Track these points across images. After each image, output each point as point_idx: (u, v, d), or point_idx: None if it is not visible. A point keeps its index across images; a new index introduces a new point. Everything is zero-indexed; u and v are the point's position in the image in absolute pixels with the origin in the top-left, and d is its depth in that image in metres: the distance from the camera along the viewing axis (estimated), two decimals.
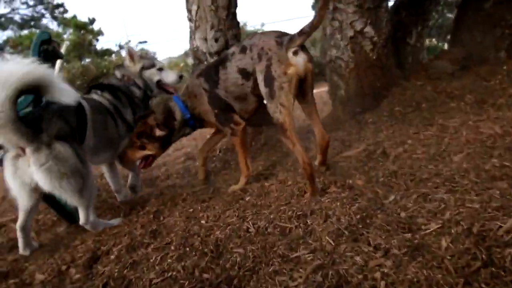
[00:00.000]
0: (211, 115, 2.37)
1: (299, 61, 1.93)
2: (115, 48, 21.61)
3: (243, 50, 2.13)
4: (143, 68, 2.62)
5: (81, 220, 2.04)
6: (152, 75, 2.64)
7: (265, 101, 2.08)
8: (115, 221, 2.20)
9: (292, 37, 1.94)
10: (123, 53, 21.64)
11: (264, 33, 2.14)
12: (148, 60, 2.69)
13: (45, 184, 1.85)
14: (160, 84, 2.68)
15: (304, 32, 1.93)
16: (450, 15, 11.41)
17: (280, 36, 2.00)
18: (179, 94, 2.47)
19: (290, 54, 1.92)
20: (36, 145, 1.82)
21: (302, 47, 1.96)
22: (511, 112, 2.71)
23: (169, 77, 2.68)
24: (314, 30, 1.93)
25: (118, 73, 2.62)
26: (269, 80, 1.95)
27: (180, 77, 2.72)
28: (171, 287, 1.39)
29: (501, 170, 1.75)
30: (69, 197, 1.92)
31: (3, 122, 1.69)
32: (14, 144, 1.81)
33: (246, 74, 2.13)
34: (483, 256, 1.16)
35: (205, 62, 3.42)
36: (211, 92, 2.32)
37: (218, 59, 2.38)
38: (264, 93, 2.02)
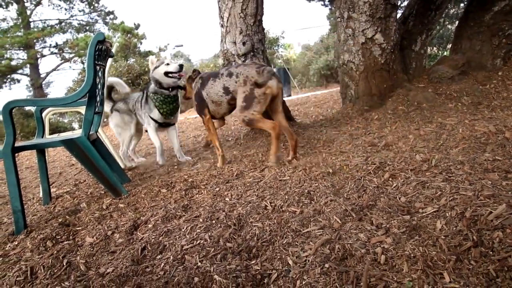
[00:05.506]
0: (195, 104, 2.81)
1: (273, 84, 2.30)
2: (155, 50, 21.86)
3: (229, 75, 2.45)
4: (155, 68, 3.05)
5: None
6: (161, 69, 3.02)
7: (237, 109, 2.42)
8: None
9: (265, 69, 2.32)
10: (162, 54, 21.87)
11: (246, 65, 2.45)
12: (159, 62, 3.08)
13: None
14: (166, 73, 3.01)
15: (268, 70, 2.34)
16: (450, 27, 11.05)
17: (259, 67, 2.34)
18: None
19: (266, 78, 2.29)
20: None
21: (273, 73, 2.34)
22: (504, 113, 2.63)
23: (172, 67, 3.01)
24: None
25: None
26: (251, 98, 2.31)
27: (180, 66, 3.03)
28: (199, 253, 1.41)
29: (493, 163, 1.70)
30: None
31: None
32: None
33: (228, 91, 2.48)
34: (474, 237, 1.13)
35: (233, 63, 3.43)
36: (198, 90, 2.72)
37: (214, 73, 2.66)
38: (240, 105, 2.36)
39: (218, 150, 2.72)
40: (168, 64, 3.04)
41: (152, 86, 3.10)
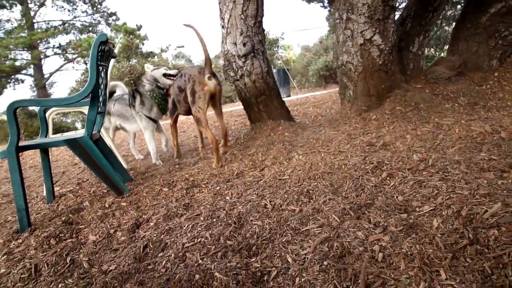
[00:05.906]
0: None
1: (211, 83, 2.64)
2: (157, 51, 21.86)
3: (181, 76, 2.88)
4: (155, 69, 3.37)
5: None
6: (162, 70, 3.34)
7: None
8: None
9: (206, 70, 2.64)
10: (164, 55, 21.88)
11: (192, 67, 2.83)
12: (157, 67, 3.44)
13: None
14: (165, 74, 3.32)
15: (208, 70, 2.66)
16: (447, 28, 11.05)
17: (201, 68, 2.69)
18: None
19: (206, 78, 2.63)
20: None
21: (214, 75, 2.66)
22: (500, 113, 2.64)
23: (172, 71, 3.36)
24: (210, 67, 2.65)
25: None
26: (193, 92, 2.66)
27: (179, 70, 3.29)
28: (200, 251, 1.41)
29: (489, 163, 1.71)
30: None
31: None
32: None
33: (181, 89, 2.89)
34: (470, 235, 1.14)
35: (234, 64, 3.43)
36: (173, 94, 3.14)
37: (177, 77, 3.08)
38: (189, 99, 2.70)
39: (175, 147, 3.40)
40: (165, 69, 3.37)
41: (148, 86, 3.32)
